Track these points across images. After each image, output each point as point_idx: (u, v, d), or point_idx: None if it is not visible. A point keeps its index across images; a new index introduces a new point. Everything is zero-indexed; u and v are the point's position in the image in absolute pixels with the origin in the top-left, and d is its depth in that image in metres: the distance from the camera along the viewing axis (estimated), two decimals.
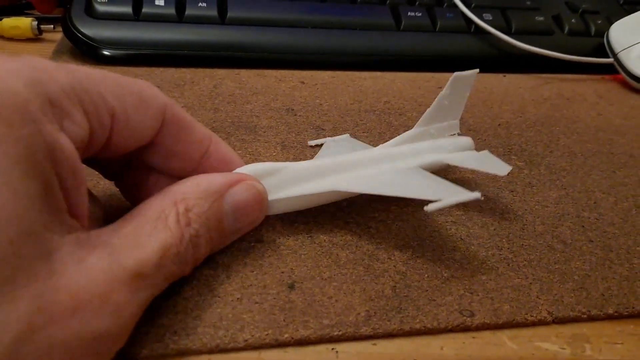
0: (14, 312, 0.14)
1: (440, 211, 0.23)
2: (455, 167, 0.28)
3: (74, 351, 0.15)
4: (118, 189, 0.24)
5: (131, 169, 0.22)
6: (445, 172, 0.29)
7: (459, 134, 0.29)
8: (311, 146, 0.31)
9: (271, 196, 0.23)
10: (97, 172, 0.23)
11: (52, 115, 0.16)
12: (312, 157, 0.30)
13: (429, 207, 0.21)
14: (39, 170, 0.15)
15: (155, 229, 0.18)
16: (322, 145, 0.30)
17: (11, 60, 0.16)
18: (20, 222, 0.14)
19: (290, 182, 0.24)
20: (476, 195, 0.22)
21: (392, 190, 0.23)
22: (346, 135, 0.32)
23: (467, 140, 0.29)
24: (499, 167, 0.27)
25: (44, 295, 0.15)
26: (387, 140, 0.32)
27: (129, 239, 0.17)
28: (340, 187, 0.24)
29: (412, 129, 0.27)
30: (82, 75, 0.17)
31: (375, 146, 0.28)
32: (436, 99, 0.27)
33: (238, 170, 0.23)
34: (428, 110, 0.27)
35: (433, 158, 0.27)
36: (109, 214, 0.22)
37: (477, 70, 0.28)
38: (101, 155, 0.19)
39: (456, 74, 0.26)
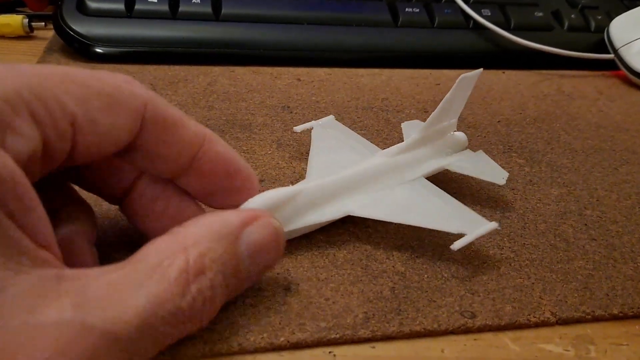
0: None
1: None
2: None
3: None
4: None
5: (133, 191, 0.20)
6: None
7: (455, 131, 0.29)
8: (297, 132, 0.29)
9: (286, 227, 0.21)
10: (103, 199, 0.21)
11: None
12: (307, 154, 0.29)
13: (455, 246, 0.22)
14: None
15: (149, 280, 0.15)
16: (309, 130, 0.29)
17: None
18: None
19: (304, 209, 0.22)
20: (494, 225, 0.23)
21: (409, 219, 0.23)
22: (331, 117, 0.30)
23: (461, 137, 0.29)
24: (496, 174, 0.27)
25: None
26: (384, 138, 0.32)
27: (111, 289, 0.14)
28: (357, 213, 0.23)
29: (416, 134, 0.27)
30: (34, 79, 0.15)
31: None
32: (442, 101, 0.26)
33: (251, 202, 0.21)
34: (434, 113, 0.26)
35: (436, 165, 0.27)
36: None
37: (482, 69, 0.27)
38: (70, 164, 0.17)
39: (463, 75, 0.26)
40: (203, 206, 0.21)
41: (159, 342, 0.15)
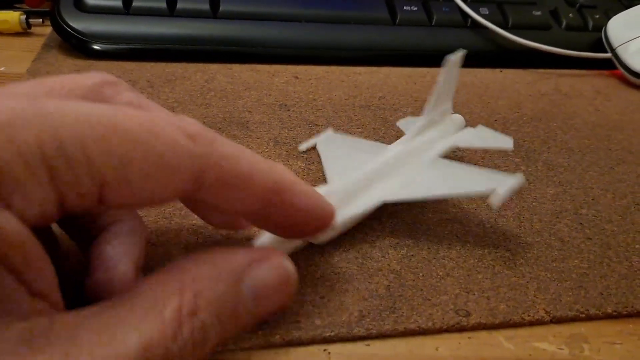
0: None
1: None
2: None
3: None
4: None
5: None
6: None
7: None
8: (302, 152, 0.30)
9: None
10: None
11: None
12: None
13: (494, 201, 0.22)
14: None
15: (143, 321, 0.14)
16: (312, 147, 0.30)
17: None
18: None
19: (341, 203, 0.23)
20: (520, 177, 0.23)
21: (442, 191, 0.24)
22: (329, 130, 0.31)
23: (459, 118, 0.30)
24: (502, 141, 0.29)
25: None
26: (381, 136, 0.32)
27: (105, 329, 0.14)
28: (389, 199, 0.24)
29: (423, 117, 0.28)
30: (67, 131, 0.13)
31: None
32: (435, 86, 0.28)
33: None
34: (431, 97, 0.28)
35: (447, 144, 0.28)
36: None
37: (465, 51, 0.29)
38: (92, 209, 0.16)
39: (449, 57, 0.27)
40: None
41: None
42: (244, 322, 0.17)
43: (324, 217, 0.19)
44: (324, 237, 0.22)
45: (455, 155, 0.31)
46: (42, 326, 0.13)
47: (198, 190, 0.15)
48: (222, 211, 0.17)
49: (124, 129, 0.14)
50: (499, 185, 0.23)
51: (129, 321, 0.14)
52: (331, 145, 0.29)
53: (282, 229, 0.19)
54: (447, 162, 0.26)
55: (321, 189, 0.22)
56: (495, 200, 0.22)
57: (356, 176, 0.24)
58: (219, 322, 0.15)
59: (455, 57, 0.28)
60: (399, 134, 0.30)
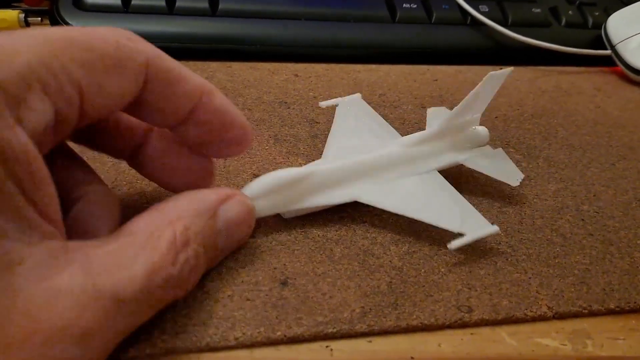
0: None
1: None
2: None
3: None
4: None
5: (143, 146, 0.21)
6: None
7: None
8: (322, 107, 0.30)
9: (294, 205, 0.23)
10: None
11: (6, 106, 0.14)
12: (305, 149, 0.29)
13: (452, 245, 0.22)
14: None
15: (144, 249, 0.16)
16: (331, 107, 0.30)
17: None
18: None
19: (314, 189, 0.23)
20: (495, 229, 0.23)
21: (414, 212, 0.23)
22: (357, 95, 0.31)
23: (484, 132, 0.28)
24: (511, 175, 0.27)
25: None
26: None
27: (112, 257, 0.15)
28: (363, 200, 0.24)
29: (435, 126, 0.27)
30: (42, 48, 0.15)
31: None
32: (467, 96, 0.26)
33: (263, 179, 0.22)
34: (456, 108, 0.26)
35: (451, 159, 0.27)
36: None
37: (512, 68, 0.27)
38: (77, 127, 0.17)
39: (491, 73, 0.26)
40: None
41: (153, 306, 0.17)
42: (220, 252, 0.20)
43: (242, 125, 0.21)
44: (290, 213, 0.23)
45: None
46: (58, 248, 0.15)
47: (145, 88, 0.18)
48: (162, 114, 0.19)
49: (82, 40, 0.16)
50: (468, 230, 0.23)
51: (132, 250, 0.16)
52: (350, 113, 0.29)
53: (207, 142, 0.21)
54: (438, 180, 0.26)
55: (304, 168, 0.23)
56: (454, 245, 0.22)
57: (342, 165, 0.24)
58: (205, 252, 0.18)
59: (498, 73, 0.26)
60: (401, 131, 0.30)
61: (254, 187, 0.22)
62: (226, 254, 0.21)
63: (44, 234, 0.15)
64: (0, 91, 0.14)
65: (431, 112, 0.31)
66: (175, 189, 0.22)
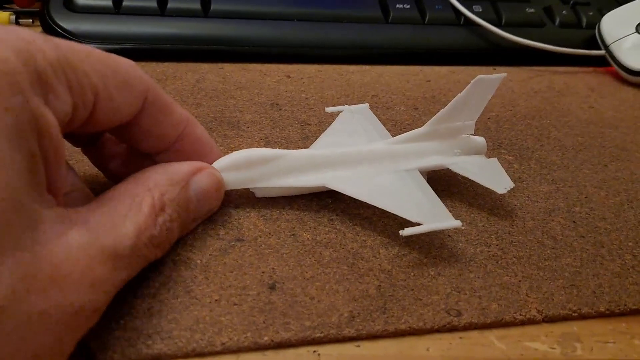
0: None
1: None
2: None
3: (50, 323, 0.15)
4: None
5: (106, 143, 0.23)
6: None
7: (472, 135, 0.28)
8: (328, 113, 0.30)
9: (263, 183, 0.24)
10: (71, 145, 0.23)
11: (39, 88, 0.16)
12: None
13: (404, 232, 0.22)
14: (26, 143, 0.15)
15: (130, 211, 0.18)
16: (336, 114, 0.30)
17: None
18: (8, 192, 0.14)
19: (285, 171, 0.24)
20: (457, 223, 0.23)
21: (378, 200, 0.23)
22: (365, 105, 0.31)
23: (479, 142, 0.28)
24: (498, 182, 0.26)
25: (27, 265, 0.15)
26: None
27: (106, 218, 0.17)
28: (331, 186, 0.24)
29: (423, 127, 0.26)
30: (68, 51, 0.17)
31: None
32: (453, 100, 0.26)
33: (235, 154, 0.24)
34: (442, 110, 0.26)
35: (436, 161, 0.26)
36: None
37: (505, 74, 0.27)
38: (80, 131, 0.19)
39: (479, 77, 0.25)
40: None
41: (140, 263, 0.19)
42: (192, 220, 0.22)
43: (218, 156, 0.24)
44: (261, 191, 0.25)
45: None
46: (64, 212, 0.17)
47: (141, 112, 0.20)
48: (152, 139, 0.21)
49: (99, 56, 0.18)
50: (427, 221, 0.22)
51: (120, 213, 0.18)
52: (352, 119, 0.29)
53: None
54: (414, 178, 0.25)
55: (278, 150, 0.24)
56: (406, 232, 0.22)
57: (317, 152, 0.25)
58: (179, 217, 0.20)
59: (488, 78, 0.26)
60: (393, 132, 0.30)
61: (225, 161, 0.23)
62: (198, 222, 0.23)
63: (50, 202, 0.16)
64: (36, 75, 0.15)
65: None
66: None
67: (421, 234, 0.24)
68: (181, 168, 0.21)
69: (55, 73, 0.16)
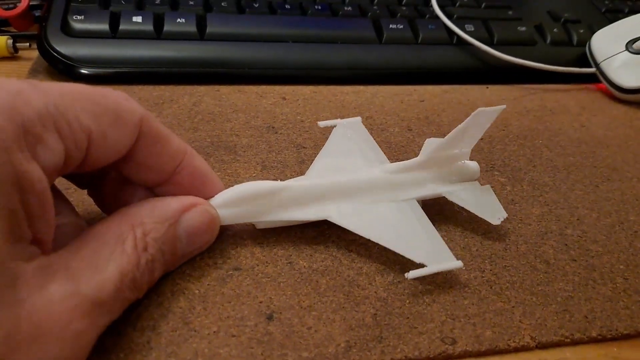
0: None
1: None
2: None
3: None
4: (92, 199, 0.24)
5: (104, 179, 0.23)
6: None
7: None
8: (321, 127, 0.31)
9: (264, 217, 0.24)
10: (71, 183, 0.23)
11: (25, 142, 0.16)
12: (293, 176, 0.29)
13: (409, 275, 0.22)
14: (6, 201, 0.15)
15: (113, 253, 0.18)
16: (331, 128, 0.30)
17: None
18: None
19: (286, 204, 0.24)
20: (459, 264, 0.23)
21: (381, 238, 0.24)
22: (358, 119, 0.31)
23: (473, 167, 0.28)
24: (493, 213, 0.27)
25: (8, 324, 0.15)
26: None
27: (88, 262, 0.17)
28: (334, 221, 0.24)
29: (420, 156, 0.27)
30: (57, 97, 0.17)
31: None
32: (453, 130, 0.26)
33: (235, 189, 0.23)
34: (442, 140, 0.26)
35: (434, 190, 0.27)
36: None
37: (504, 106, 0.27)
38: (77, 171, 0.19)
39: (479, 109, 0.25)
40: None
41: (123, 305, 0.19)
42: (178, 258, 0.22)
43: (219, 187, 0.23)
44: (262, 223, 0.24)
45: None
46: (47, 262, 0.17)
47: (137, 144, 0.20)
48: (150, 171, 0.21)
49: (90, 95, 0.18)
50: (431, 262, 0.23)
51: (103, 254, 0.18)
52: (345, 135, 0.29)
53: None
54: (414, 210, 0.26)
55: (279, 182, 0.24)
56: (411, 275, 0.22)
57: (318, 183, 0.25)
58: (162, 256, 0.20)
59: (488, 110, 0.26)
60: (388, 155, 0.30)
61: (223, 196, 0.23)
62: (187, 258, 0.22)
63: (33, 253, 0.16)
64: (22, 128, 0.15)
65: (428, 142, 0.30)
66: None
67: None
68: (171, 204, 0.21)
69: (43, 123, 0.16)
